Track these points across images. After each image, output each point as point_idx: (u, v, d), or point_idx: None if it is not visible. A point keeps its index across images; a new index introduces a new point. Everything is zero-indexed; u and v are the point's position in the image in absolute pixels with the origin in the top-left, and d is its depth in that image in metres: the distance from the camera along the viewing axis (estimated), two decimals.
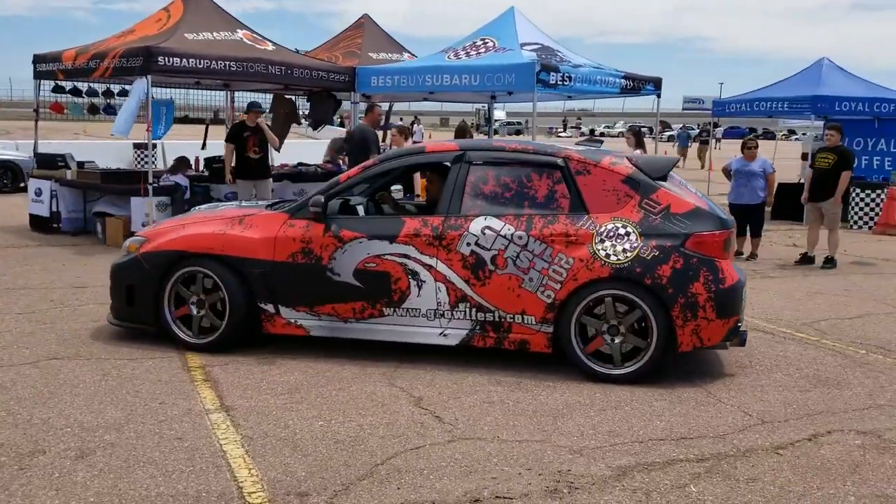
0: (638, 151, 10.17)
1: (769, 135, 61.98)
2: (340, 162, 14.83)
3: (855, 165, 10.60)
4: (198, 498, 3.48)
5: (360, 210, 6.02)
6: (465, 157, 5.62)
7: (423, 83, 11.29)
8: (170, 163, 13.07)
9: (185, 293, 5.70)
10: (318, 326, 5.62)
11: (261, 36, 11.20)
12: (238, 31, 10.86)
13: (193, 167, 12.36)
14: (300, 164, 14.60)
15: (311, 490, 3.59)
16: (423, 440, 4.20)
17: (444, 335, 5.45)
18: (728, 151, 25.06)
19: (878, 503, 3.58)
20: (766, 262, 10.20)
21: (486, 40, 11.32)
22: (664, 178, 5.44)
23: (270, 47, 11.01)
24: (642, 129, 13.80)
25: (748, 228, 10.32)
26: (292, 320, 5.63)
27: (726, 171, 10.79)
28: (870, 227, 14.10)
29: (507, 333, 5.36)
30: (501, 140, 6.11)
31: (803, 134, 59.85)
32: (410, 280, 5.41)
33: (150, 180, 9.98)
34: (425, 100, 15.72)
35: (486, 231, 5.33)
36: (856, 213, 14.47)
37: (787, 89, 16.50)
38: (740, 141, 11.42)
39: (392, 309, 5.48)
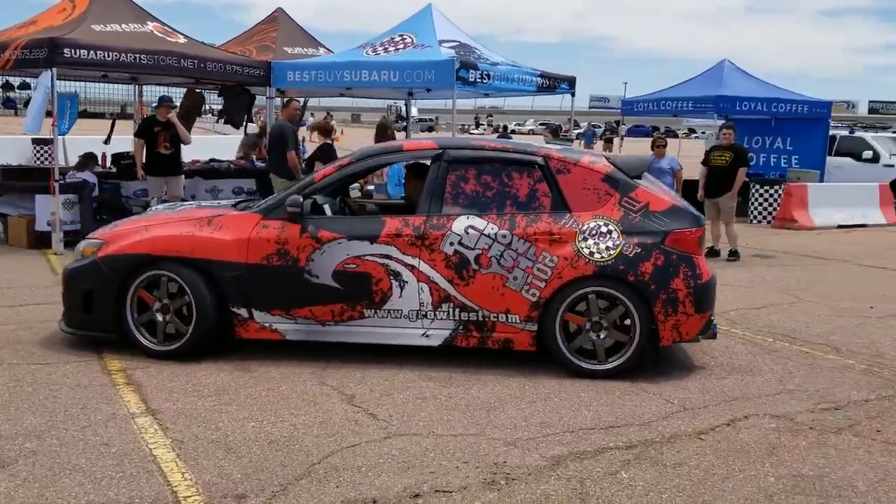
0: None
1: (671, 133, 64.42)
2: (254, 158, 14.57)
3: (753, 163, 11.16)
4: None
5: (328, 210, 5.82)
6: (445, 155, 5.55)
7: (341, 79, 11.20)
8: (72, 159, 12.53)
9: (148, 298, 5.42)
10: (295, 330, 5.45)
11: (172, 28, 10.86)
12: (148, 22, 10.49)
13: (100, 163, 11.90)
14: (212, 160, 14.25)
15: (248, 492, 3.54)
16: (358, 438, 4.20)
17: (427, 336, 5.41)
18: (631, 149, 25.81)
19: (794, 482, 3.79)
20: None
21: (405, 36, 11.32)
22: (639, 177, 5.59)
23: (182, 40, 10.69)
24: (560, 127, 14.11)
25: None
26: (267, 324, 5.44)
27: None
28: (769, 222, 14.82)
29: (490, 333, 5.36)
30: (480, 139, 6.09)
31: (702, 132, 62.56)
32: (392, 281, 5.33)
33: (56, 177, 9.55)
34: (341, 95, 15.60)
35: (470, 230, 5.32)
36: (756, 209, 15.18)
37: (692, 89, 17.14)
38: (643, 139, 11.83)
39: (373, 310, 5.38)
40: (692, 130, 68.44)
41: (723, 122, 14.05)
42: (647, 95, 18.30)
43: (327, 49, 13.95)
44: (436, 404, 4.74)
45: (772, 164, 17.32)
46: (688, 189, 11.51)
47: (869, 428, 4.51)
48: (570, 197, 5.39)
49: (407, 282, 5.32)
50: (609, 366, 5.26)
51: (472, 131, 69.16)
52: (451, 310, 5.33)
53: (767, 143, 17.62)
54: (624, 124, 22.34)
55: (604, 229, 5.28)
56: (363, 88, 12.92)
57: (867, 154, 17.24)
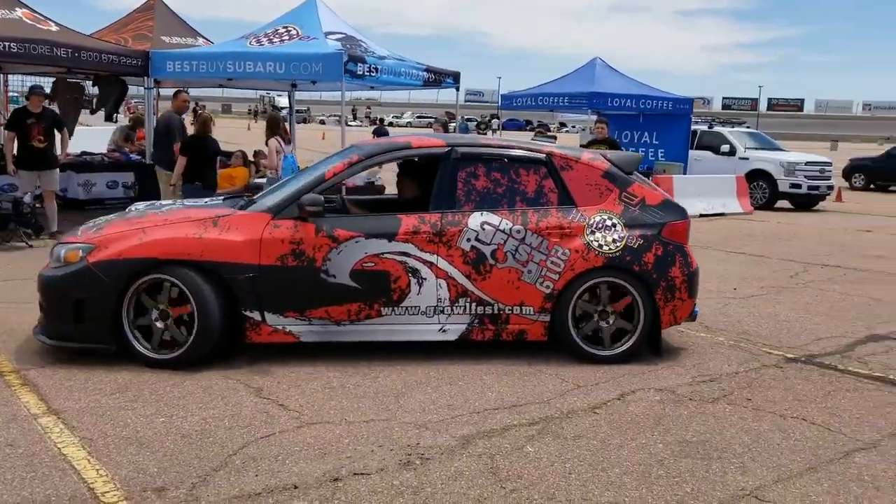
0: None
1: (545, 127, 66.37)
2: (128, 150, 14.05)
3: None
4: (47, 502, 3.33)
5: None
6: (454, 152, 5.63)
7: (223, 69, 10.99)
8: None
9: (148, 303, 5.16)
10: (309, 331, 5.36)
11: (42, 15, 10.33)
12: (17, 9, 9.94)
13: None
14: (84, 153, 13.68)
15: (167, 484, 3.55)
16: (271, 428, 4.26)
17: (444, 331, 5.48)
18: None
19: (681, 448, 4.17)
20: None
21: (290, 28, 11.24)
22: (632, 173, 5.89)
23: (54, 28, 10.20)
24: (448, 122, 14.38)
25: None
26: (280, 327, 5.30)
27: None
28: None
29: (505, 325, 5.51)
30: (483, 137, 6.28)
31: (573, 127, 64.92)
32: (410, 278, 5.35)
33: None
34: (221, 87, 15.28)
35: (485, 226, 5.44)
36: None
37: (566, 85, 17.87)
38: (515, 132, 12.30)
39: (390, 308, 5.38)
40: (563, 125, 70.87)
41: (596, 117, 14.79)
42: (526, 91, 18.92)
43: (206, 39, 13.64)
44: (344, 393, 4.86)
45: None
46: None
47: (741, 397, 4.99)
48: (574, 192, 5.66)
49: (425, 279, 5.38)
50: (615, 351, 5.59)
51: (349, 123, 68.76)
52: (467, 304, 5.44)
53: (636, 137, 18.60)
54: (499, 118, 22.95)
55: (608, 223, 5.59)
56: (245, 79, 12.74)
57: (725, 147, 18.52)
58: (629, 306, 5.58)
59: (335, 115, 72.77)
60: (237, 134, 37.98)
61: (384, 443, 4.11)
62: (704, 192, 16.00)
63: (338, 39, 10.86)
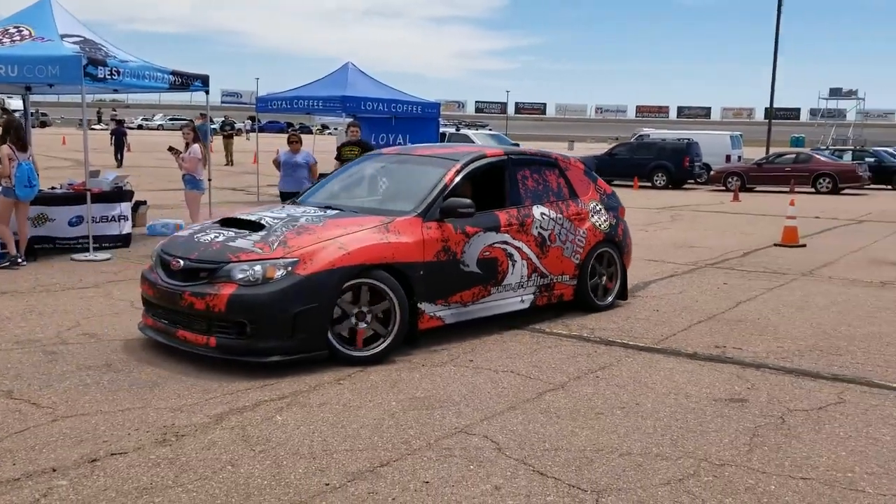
0: (197, 146, 10.71)
1: (306, 129, 66.43)
2: None
3: None
4: None
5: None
6: (510, 160, 7.19)
7: None
8: None
9: (347, 308, 5.61)
10: (450, 314, 6.30)
11: None
12: None
13: None
14: None
15: None
16: (25, 424, 4.38)
17: (522, 301, 6.92)
18: (268, 143, 26.54)
19: (410, 403, 4.88)
20: None
21: (21, 28, 10.66)
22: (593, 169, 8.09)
23: None
24: (206, 126, 14.25)
25: None
26: (432, 314, 6.14)
27: (276, 163, 11.96)
28: None
29: (552, 291, 7.18)
30: (520, 147, 7.65)
31: (335, 129, 65.67)
32: (509, 262, 6.69)
33: None
34: None
35: (543, 216, 7.06)
36: None
37: (321, 89, 18.43)
38: (279, 135, 12.70)
39: (496, 287, 6.63)
40: (325, 127, 71.32)
41: (350, 120, 15.48)
42: (281, 94, 19.20)
43: None
44: (99, 388, 5.04)
45: None
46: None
47: (465, 359, 5.84)
48: (576, 187, 7.59)
49: (516, 261, 6.76)
50: (609, 300, 7.66)
51: (93, 127, 64.39)
52: (536, 278, 6.97)
53: (390, 139, 19.54)
54: (255, 120, 22.96)
55: (598, 208, 7.68)
56: None
57: None
58: (613, 266, 7.75)
59: (80, 119, 67.69)
60: None
61: (140, 426, 4.41)
62: None
63: (75, 42, 10.51)
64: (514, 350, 6.14)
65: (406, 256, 5.87)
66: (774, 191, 25.97)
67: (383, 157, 7.79)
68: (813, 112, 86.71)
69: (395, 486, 3.72)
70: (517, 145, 21.71)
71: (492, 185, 7.05)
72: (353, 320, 5.63)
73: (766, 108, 49.13)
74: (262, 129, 31.05)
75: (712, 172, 28.17)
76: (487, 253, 6.50)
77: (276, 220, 6.10)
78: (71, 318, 6.82)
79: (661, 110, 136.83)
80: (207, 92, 12.86)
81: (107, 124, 62.46)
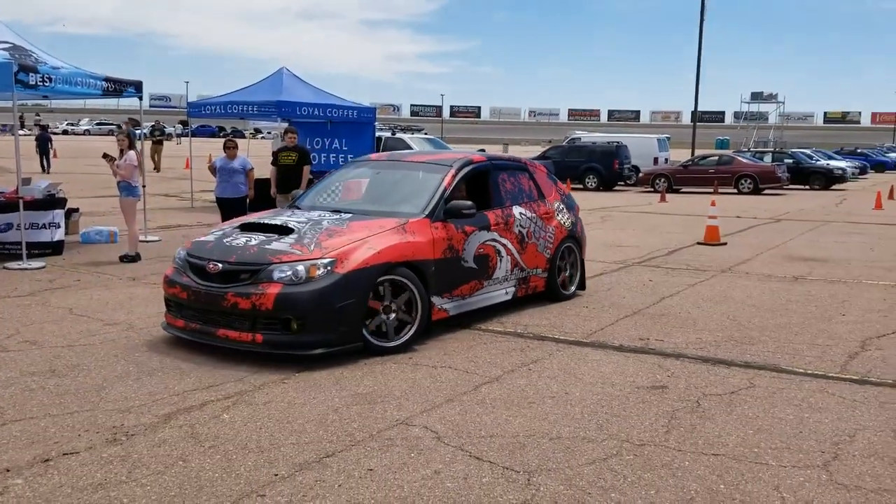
0: (132, 152, 10.68)
1: (239, 134, 65.73)
2: None
3: (315, 162, 12.75)
4: None
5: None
6: (493, 164, 7.85)
7: None
8: None
9: (373, 304, 6.07)
10: (453, 306, 6.86)
11: None
12: None
13: None
14: None
15: None
16: None
17: (507, 293, 7.61)
18: (200, 148, 26.28)
19: (354, 398, 5.11)
20: None
21: None
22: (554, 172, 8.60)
23: None
24: (133, 131, 14.12)
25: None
26: (439, 306, 6.67)
27: (212, 169, 11.98)
28: None
29: (528, 283, 7.90)
30: (497, 154, 8.89)
31: (269, 133, 65.20)
32: (497, 257, 7.35)
33: None
34: None
35: (521, 215, 7.78)
36: None
37: (255, 94, 18.37)
38: (210, 139, 12.70)
39: (488, 281, 7.27)
40: (258, 131, 70.66)
41: (286, 125, 15.54)
42: (214, 98, 19.09)
43: None
44: (45, 393, 5.13)
45: (331, 162, 19.37)
46: (260, 186, 12.72)
47: (405, 357, 6.09)
48: (542, 189, 8.36)
49: (503, 257, 7.43)
50: (572, 289, 8.51)
51: (17, 133, 62.08)
52: (517, 272, 7.67)
53: (326, 143, 19.66)
54: (186, 125, 22.72)
55: (560, 207, 8.52)
56: None
57: None
58: (574, 259, 8.57)
59: (3, 125, 65.56)
60: None
61: (90, 428, 4.53)
62: None
63: (5, 49, 10.39)
64: (451, 347, 6.43)
65: (422, 254, 6.48)
66: (699, 192, 27.00)
67: (374, 163, 8.31)
68: (737, 115, 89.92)
69: (341, 474, 3.96)
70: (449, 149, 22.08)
71: (479, 188, 7.72)
72: (382, 315, 6.17)
73: (692, 112, 50.80)
74: (193, 134, 30.51)
75: (641, 174, 29.09)
76: (481, 250, 7.19)
77: (301, 224, 6.57)
78: (10, 326, 6.84)
79: (593, 114, 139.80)
80: (141, 98, 12.81)
81: (30, 129, 60.54)
